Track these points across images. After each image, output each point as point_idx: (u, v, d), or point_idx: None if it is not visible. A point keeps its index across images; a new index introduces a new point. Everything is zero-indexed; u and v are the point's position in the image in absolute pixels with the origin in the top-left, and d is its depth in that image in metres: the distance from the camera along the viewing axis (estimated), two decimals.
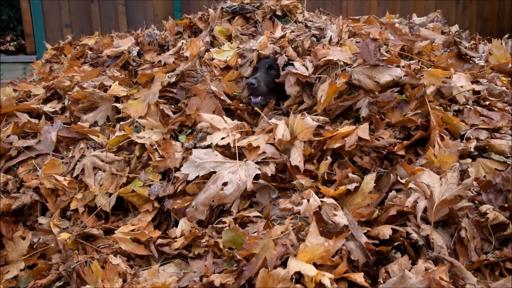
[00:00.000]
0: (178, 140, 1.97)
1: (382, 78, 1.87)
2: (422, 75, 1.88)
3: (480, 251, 1.37)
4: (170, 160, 1.82)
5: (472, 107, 1.85)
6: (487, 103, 1.91)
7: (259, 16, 2.74)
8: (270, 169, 1.67)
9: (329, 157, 1.67)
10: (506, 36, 2.91)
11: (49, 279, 1.57)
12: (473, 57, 2.26)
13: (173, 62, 2.38)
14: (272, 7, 2.78)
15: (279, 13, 2.77)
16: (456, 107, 1.84)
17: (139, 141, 1.94)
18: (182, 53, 2.43)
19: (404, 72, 1.87)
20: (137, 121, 2.09)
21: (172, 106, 2.15)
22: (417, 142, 1.73)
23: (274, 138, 1.76)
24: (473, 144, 1.68)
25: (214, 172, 1.68)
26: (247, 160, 1.71)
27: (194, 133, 1.96)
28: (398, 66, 1.91)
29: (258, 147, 1.73)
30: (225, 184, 1.63)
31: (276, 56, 2.24)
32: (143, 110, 2.14)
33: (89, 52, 2.87)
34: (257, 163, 1.70)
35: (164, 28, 3.02)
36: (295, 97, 2.06)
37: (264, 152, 1.72)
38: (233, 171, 1.67)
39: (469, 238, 1.37)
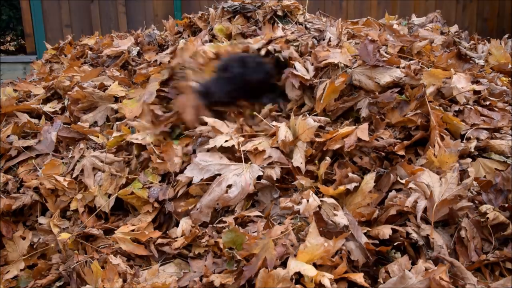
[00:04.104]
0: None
1: (382, 79, 1.87)
2: (422, 75, 1.88)
3: (480, 251, 1.36)
4: (170, 164, 1.81)
5: (472, 107, 1.85)
6: (488, 103, 1.91)
7: (260, 15, 2.74)
8: (275, 173, 1.66)
9: (328, 158, 1.67)
10: (506, 36, 2.90)
11: (49, 279, 1.57)
12: (473, 57, 2.26)
13: (169, 61, 2.36)
14: (273, 7, 2.77)
15: (280, 13, 2.76)
16: (456, 108, 1.84)
17: (134, 141, 1.93)
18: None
19: (404, 73, 1.87)
20: (127, 123, 2.08)
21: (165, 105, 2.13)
22: (417, 142, 1.73)
23: (277, 141, 1.75)
24: (473, 144, 1.67)
25: (219, 174, 1.67)
26: (252, 163, 1.70)
27: (193, 137, 1.94)
28: (398, 67, 1.91)
29: (264, 151, 1.72)
30: (229, 186, 1.62)
31: (275, 54, 2.21)
32: (138, 110, 2.12)
33: (89, 52, 2.87)
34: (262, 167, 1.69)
35: (164, 28, 3.02)
36: (296, 100, 2.04)
37: (270, 156, 1.70)
38: (238, 174, 1.66)
39: (469, 238, 1.37)
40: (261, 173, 1.65)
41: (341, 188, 1.52)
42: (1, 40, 8.17)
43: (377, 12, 6.17)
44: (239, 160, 1.72)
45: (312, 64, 2.08)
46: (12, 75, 5.42)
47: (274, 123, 1.87)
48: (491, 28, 6.62)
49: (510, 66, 2.33)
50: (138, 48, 2.63)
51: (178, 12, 6.14)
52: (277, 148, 1.74)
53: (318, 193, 1.57)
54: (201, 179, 1.68)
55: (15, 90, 2.62)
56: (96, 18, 6.19)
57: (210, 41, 2.65)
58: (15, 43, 8.26)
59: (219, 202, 1.61)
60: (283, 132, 1.76)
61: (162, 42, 2.80)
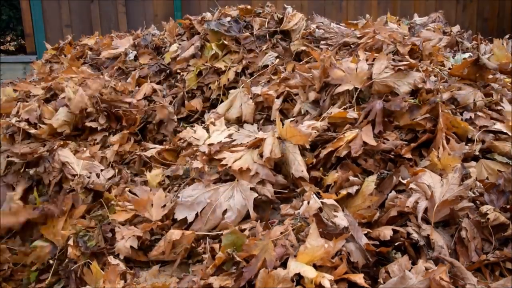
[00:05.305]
0: None
1: (402, 88, 1.81)
2: (444, 82, 1.84)
3: (480, 251, 1.36)
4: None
5: (482, 111, 1.82)
6: (499, 108, 1.88)
7: (256, 23, 2.55)
8: (268, 191, 1.59)
9: (339, 169, 1.61)
10: (507, 36, 2.89)
11: (50, 281, 1.56)
12: (491, 67, 2.18)
13: None
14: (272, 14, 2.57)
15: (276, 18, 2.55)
16: (468, 115, 1.80)
17: None
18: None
19: (421, 79, 1.82)
20: None
21: None
22: (422, 144, 1.71)
23: (261, 156, 1.63)
24: (478, 147, 1.66)
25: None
26: (239, 180, 1.61)
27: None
28: (418, 70, 1.86)
29: (249, 169, 1.61)
30: (224, 212, 1.55)
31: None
32: None
33: (89, 52, 2.87)
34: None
35: (163, 29, 3.00)
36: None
37: (257, 173, 1.61)
38: (229, 196, 1.57)
39: (470, 239, 1.37)
40: (254, 195, 1.56)
41: (343, 192, 1.52)
42: (1, 40, 8.17)
43: (377, 12, 6.16)
44: (224, 180, 1.63)
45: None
46: (12, 75, 5.41)
47: (261, 133, 1.74)
48: (491, 28, 6.61)
49: (511, 65, 2.32)
50: (135, 51, 2.62)
51: (178, 12, 6.13)
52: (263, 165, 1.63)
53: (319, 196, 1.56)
54: (196, 214, 1.56)
55: (15, 90, 2.62)
56: (96, 18, 6.19)
57: (202, 46, 2.54)
58: (15, 43, 8.25)
59: (219, 229, 1.53)
60: (269, 145, 1.64)
61: (160, 44, 2.76)
